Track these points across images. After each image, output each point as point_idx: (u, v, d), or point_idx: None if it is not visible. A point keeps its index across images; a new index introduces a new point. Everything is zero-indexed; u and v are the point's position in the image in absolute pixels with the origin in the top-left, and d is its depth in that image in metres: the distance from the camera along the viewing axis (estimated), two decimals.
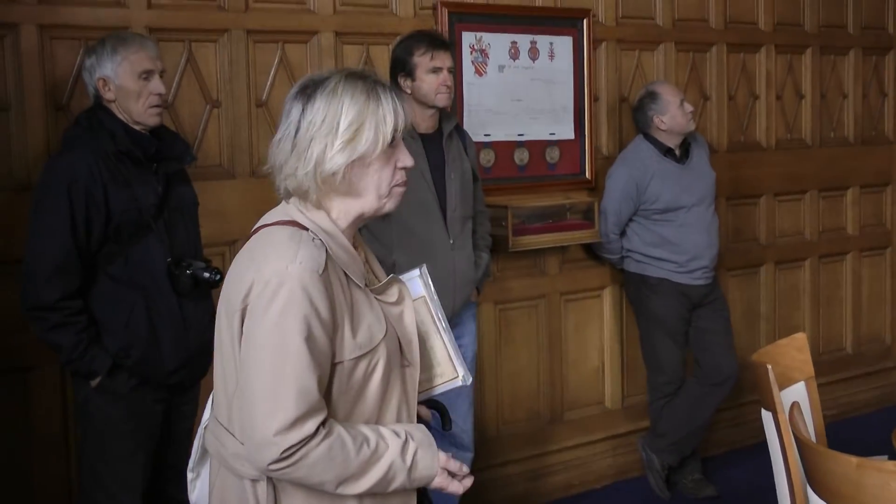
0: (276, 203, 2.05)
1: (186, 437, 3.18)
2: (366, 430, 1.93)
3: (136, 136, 3.00)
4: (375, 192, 1.97)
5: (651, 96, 4.48)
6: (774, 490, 4.52)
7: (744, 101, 5.24)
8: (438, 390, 2.22)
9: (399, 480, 1.92)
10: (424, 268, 2.19)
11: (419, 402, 2.19)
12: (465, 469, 2.03)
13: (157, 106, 3.02)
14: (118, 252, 2.93)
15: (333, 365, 1.90)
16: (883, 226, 5.96)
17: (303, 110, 1.93)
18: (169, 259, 2.98)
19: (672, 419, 4.50)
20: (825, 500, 2.01)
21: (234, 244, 3.59)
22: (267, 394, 1.83)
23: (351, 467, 1.87)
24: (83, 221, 2.88)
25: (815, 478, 2.07)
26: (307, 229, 1.93)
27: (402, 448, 1.93)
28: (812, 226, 5.61)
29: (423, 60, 3.51)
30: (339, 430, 1.88)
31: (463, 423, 3.69)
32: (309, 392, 1.83)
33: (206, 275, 2.99)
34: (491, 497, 4.34)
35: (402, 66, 3.55)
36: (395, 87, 3.53)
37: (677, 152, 4.51)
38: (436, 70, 3.51)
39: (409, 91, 3.54)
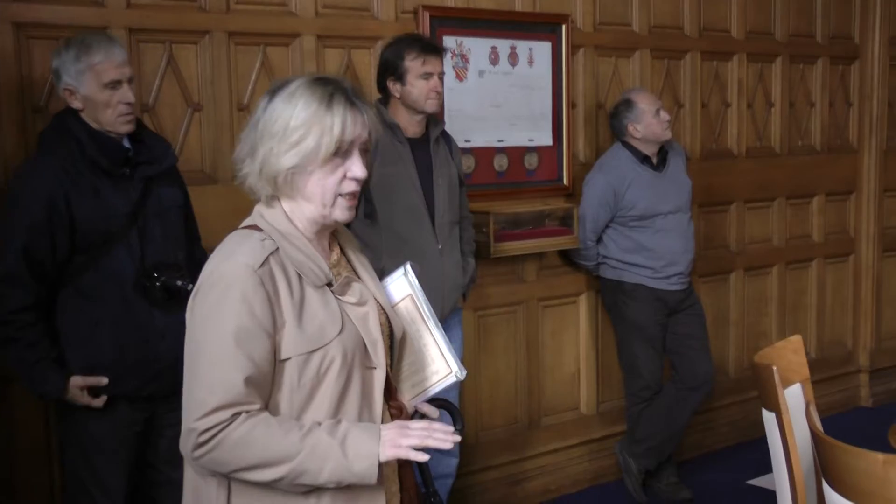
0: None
1: (170, 444, 3.12)
2: (302, 421, 1.90)
3: (104, 143, 2.86)
4: (320, 199, 1.96)
5: (626, 104, 4.50)
6: (748, 493, 4.62)
7: (716, 108, 5.29)
8: (435, 389, 2.18)
9: (334, 457, 1.84)
10: (409, 265, 2.18)
11: (426, 401, 2.19)
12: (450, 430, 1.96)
13: (127, 114, 2.88)
14: (87, 263, 2.83)
15: (281, 362, 1.90)
16: (846, 233, 6.05)
17: (264, 110, 1.97)
18: (140, 270, 2.87)
19: (650, 424, 4.52)
20: (846, 497, 2.03)
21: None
22: (194, 386, 1.87)
23: (277, 448, 1.84)
24: (45, 232, 2.76)
25: (834, 475, 2.08)
26: (262, 231, 1.96)
27: (332, 428, 1.88)
28: (780, 233, 5.67)
29: (414, 65, 3.45)
30: (267, 415, 1.87)
31: None
32: (232, 385, 1.83)
33: (179, 283, 2.88)
34: (470, 503, 4.32)
35: (392, 70, 3.49)
36: (383, 90, 3.51)
37: (654, 160, 4.53)
38: (427, 76, 3.46)
39: (397, 95, 3.50)
